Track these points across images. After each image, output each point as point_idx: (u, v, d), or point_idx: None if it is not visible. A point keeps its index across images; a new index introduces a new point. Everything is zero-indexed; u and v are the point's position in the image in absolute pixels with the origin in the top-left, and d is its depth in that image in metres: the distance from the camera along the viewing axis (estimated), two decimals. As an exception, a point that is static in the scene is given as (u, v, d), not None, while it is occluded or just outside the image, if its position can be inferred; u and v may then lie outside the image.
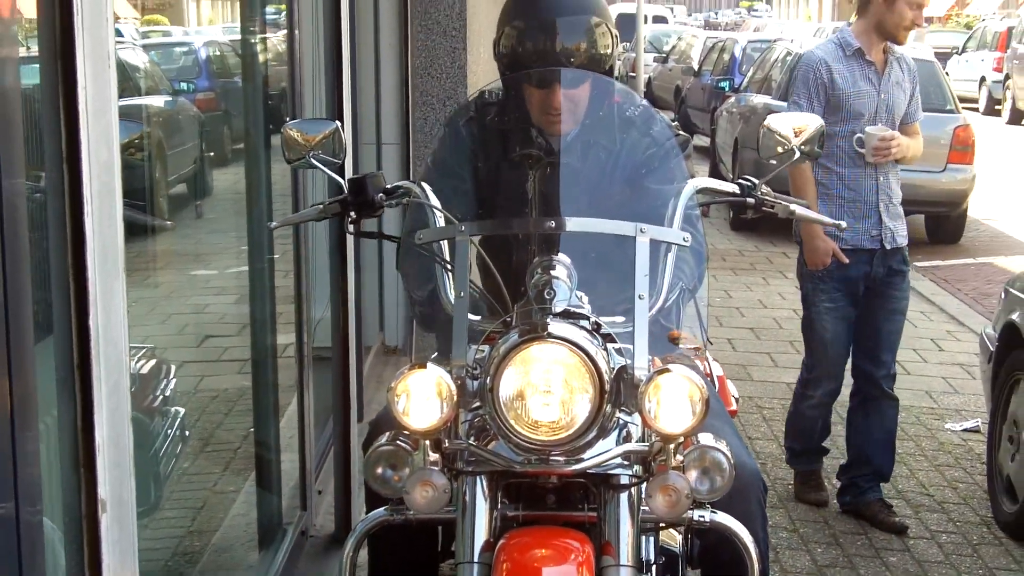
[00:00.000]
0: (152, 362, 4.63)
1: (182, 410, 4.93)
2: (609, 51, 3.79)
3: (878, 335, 6.41)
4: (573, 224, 3.20)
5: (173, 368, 4.96)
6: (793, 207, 3.65)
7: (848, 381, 6.63)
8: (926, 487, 6.94)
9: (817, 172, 6.25)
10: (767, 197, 3.62)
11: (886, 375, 6.44)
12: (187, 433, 4.99)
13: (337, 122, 3.70)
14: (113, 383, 2.54)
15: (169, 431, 4.71)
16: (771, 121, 3.68)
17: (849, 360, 6.57)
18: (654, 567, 3.48)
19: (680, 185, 3.46)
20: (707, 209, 3.73)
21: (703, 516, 3.19)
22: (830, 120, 5.99)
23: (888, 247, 6.29)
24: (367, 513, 3.39)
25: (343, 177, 3.52)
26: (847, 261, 6.22)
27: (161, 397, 4.68)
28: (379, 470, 3.11)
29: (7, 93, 2.25)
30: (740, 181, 3.65)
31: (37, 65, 2.45)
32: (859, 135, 6.22)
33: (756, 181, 3.63)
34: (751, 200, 3.62)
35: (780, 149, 3.64)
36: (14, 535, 2.30)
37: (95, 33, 2.46)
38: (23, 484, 2.31)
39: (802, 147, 3.63)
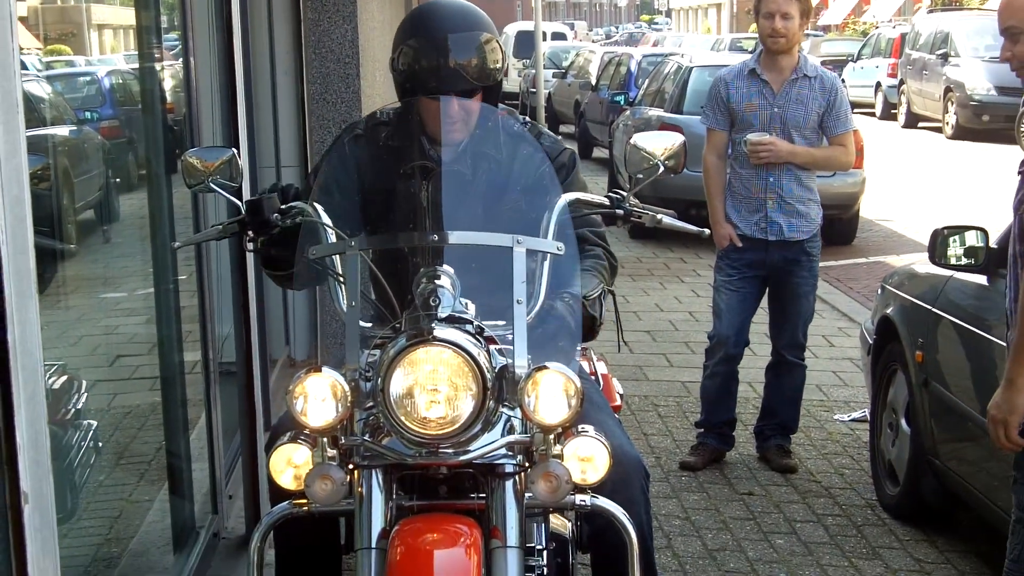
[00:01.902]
0: (64, 378, 4.75)
1: (95, 423, 5.03)
2: (498, 65, 4.01)
3: (784, 312, 7.27)
4: (455, 237, 3.45)
5: (84, 383, 5.07)
6: (659, 216, 3.87)
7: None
8: (814, 474, 7.22)
9: (728, 173, 7.15)
10: (635, 208, 3.85)
11: (788, 345, 7.29)
12: (100, 445, 5.10)
13: (233, 149, 3.86)
14: (30, 391, 2.80)
15: (83, 443, 4.82)
16: (636, 139, 3.94)
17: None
18: (545, 552, 3.74)
19: (554, 198, 3.72)
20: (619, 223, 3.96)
21: (584, 501, 3.41)
22: (734, 128, 7.04)
23: (773, 239, 7.04)
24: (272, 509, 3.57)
25: (240, 199, 3.71)
26: (740, 244, 7.08)
27: (74, 410, 4.78)
28: (281, 467, 3.37)
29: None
30: (610, 194, 3.88)
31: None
32: (744, 140, 6.96)
33: (624, 193, 3.86)
34: (620, 211, 3.85)
35: (646, 164, 3.90)
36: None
37: (3, 84, 2.72)
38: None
39: (666, 162, 3.89)
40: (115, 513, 5.26)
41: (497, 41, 4.02)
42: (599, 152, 23.86)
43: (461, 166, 3.98)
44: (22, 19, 4.70)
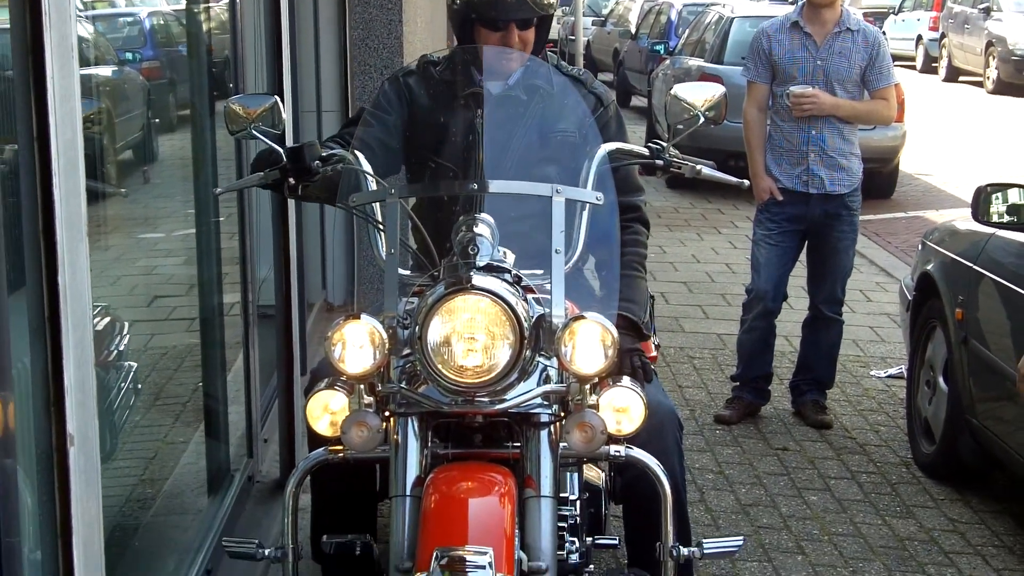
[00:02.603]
0: (107, 319, 4.77)
1: (135, 365, 5.08)
2: (549, 7, 4.14)
3: (823, 267, 7.24)
4: (495, 187, 3.46)
5: (127, 325, 5.13)
6: (699, 167, 3.87)
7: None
8: (849, 431, 7.21)
9: (769, 126, 7.15)
10: (675, 159, 3.85)
11: (826, 300, 7.29)
12: (139, 387, 5.13)
13: (276, 96, 3.86)
14: (79, 335, 2.82)
15: (123, 384, 4.85)
16: (677, 90, 3.92)
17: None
18: (578, 501, 3.77)
19: (594, 147, 3.73)
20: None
21: (619, 451, 3.44)
22: (775, 82, 7.04)
23: (814, 192, 7.04)
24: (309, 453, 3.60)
25: (282, 147, 3.72)
26: (780, 198, 7.06)
27: (116, 352, 4.83)
28: (318, 413, 3.39)
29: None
30: (650, 144, 3.89)
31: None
32: (787, 92, 6.95)
33: (664, 144, 3.86)
34: (660, 161, 3.85)
35: (686, 115, 3.89)
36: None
37: (60, 28, 2.73)
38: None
39: (706, 113, 3.88)
40: (151, 454, 5.29)
41: None
42: (637, 101, 23.79)
43: (517, 92, 4.08)
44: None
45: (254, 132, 3.78)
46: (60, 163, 2.71)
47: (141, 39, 6.71)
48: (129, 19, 6.78)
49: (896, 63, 7.21)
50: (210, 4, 6.15)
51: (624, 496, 4.25)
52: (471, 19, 4.10)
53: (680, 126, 3.89)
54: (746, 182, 4.13)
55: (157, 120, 6.28)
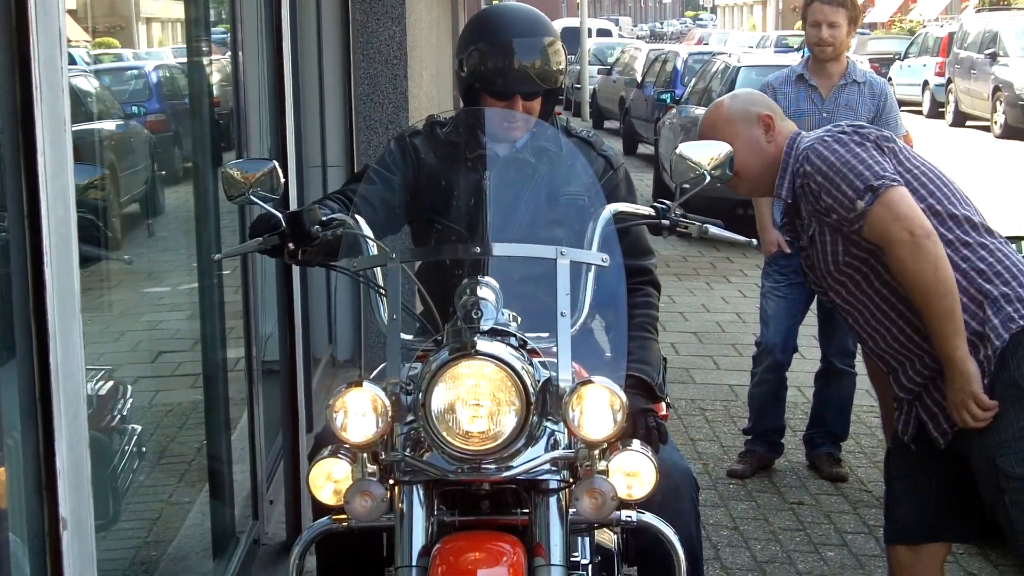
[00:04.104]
0: (109, 383, 4.73)
1: (139, 427, 5.01)
2: (561, 67, 4.13)
3: (832, 319, 7.09)
4: (499, 250, 3.39)
5: (129, 388, 5.07)
6: (706, 226, 3.82)
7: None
8: (865, 483, 7.12)
9: None
10: (681, 219, 3.80)
11: (837, 353, 7.22)
12: (143, 449, 5.09)
13: (274, 161, 3.81)
14: (72, 414, 2.75)
15: (126, 448, 4.80)
16: (682, 149, 3.86)
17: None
18: (590, 566, 3.68)
19: (599, 209, 3.68)
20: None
21: (630, 516, 3.36)
22: None
23: None
24: (313, 522, 3.53)
25: (282, 211, 3.67)
26: (788, 251, 6.95)
27: (119, 416, 4.77)
28: (321, 482, 3.32)
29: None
30: (655, 204, 3.84)
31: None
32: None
33: (670, 204, 3.82)
34: (666, 221, 3.80)
35: (692, 175, 3.84)
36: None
37: (52, 104, 2.68)
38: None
39: (712, 172, 3.83)
40: (154, 515, 5.24)
41: (559, 44, 4.14)
42: (644, 149, 23.81)
43: (524, 155, 4.07)
44: (71, 12, 4.67)
45: (252, 198, 3.73)
46: (52, 240, 2.66)
47: (146, 92, 6.71)
48: (135, 72, 6.78)
49: (902, 108, 7.18)
50: (215, 57, 6.13)
51: (638, 559, 4.16)
52: (476, 88, 4.10)
53: (686, 185, 3.84)
54: (754, 241, 4.07)
55: (163, 173, 6.26)
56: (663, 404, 4.11)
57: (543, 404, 3.17)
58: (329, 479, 3.29)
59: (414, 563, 3.15)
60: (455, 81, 4.23)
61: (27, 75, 2.61)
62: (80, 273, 2.88)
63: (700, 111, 15.90)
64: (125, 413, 4.88)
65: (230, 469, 5.53)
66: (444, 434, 3.10)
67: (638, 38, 46.45)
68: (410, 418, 3.21)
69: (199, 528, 5.32)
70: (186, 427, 5.83)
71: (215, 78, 6.18)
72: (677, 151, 3.88)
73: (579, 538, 3.65)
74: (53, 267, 2.66)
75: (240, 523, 5.54)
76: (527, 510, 3.27)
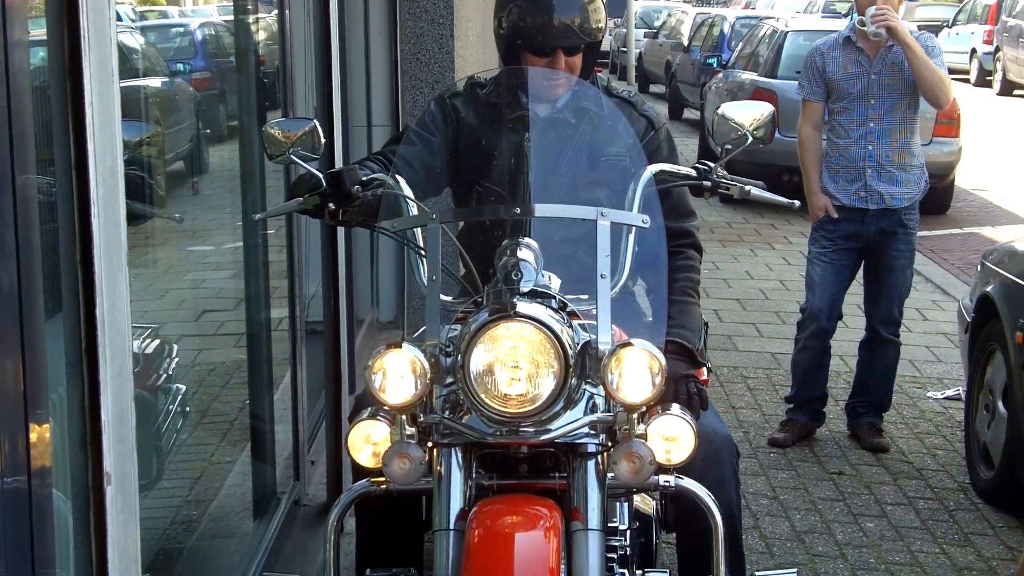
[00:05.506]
0: (156, 342, 4.72)
1: (183, 387, 5.01)
2: (601, 24, 4.06)
3: (879, 286, 7.16)
4: (539, 210, 3.39)
5: (175, 348, 5.07)
6: (748, 188, 3.82)
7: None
8: (906, 454, 7.10)
9: (825, 143, 7.11)
10: (723, 180, 3.79)
11: (883, 321, 7.20)
12: (187, 409, 5.10)
13: (314, 120, 3.81)
14: (117, 367, 2.75)
15: (171, 407, 4.79)
16: (725, 109, 3.86)
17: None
18: (628, 532, 3.68)
19: (640, 170, 3.66)
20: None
21: (669, 482, 3.35)
22: (830, 99, 7.02)
23: (873, 208, 6.96)
24: (352, 484, 3.54)
25: (322, 171, 3.67)
26: (835, 216, 7.00)
27: (164, 376, 4.77)
28: (360, 444, 3.32)
29: (22, 105, 2.45)
30: (697, 165, 3.83)
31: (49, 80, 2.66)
32: (861, 19, 6.92)
33: (712, 164, 3.81)
34: (707, 183, 3.79)
35: (734, 135, 3.82)
36: (26, 505, 2.49)
37: (100, 54, 2.67)
38: (34, 457, 2.51)
39: (754, 132, 3.81)
40: (196, 474, 5.25)
41: (600, 2, 4.07)
42: (690, 113, 23.72)
43: (565, 115, 4.01)
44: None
45: (293, 157, 3.73)
46: (99, 192, 2.65)
47: (192, 50, 6.71)
48: (180, 30, 6.78)
49: (950, 76, 7.07)
50: (261, 15, 6.12)
51: (677, 524, 4.16)
52: (517, 44, 4.03)
53: (728, 146, 3.83)
54: (796, 202, 4.04)
55: (207, 131, 6.26)
56: (704, 369, 4.10)
57: (582, 367, 3.15)
58: (368, 441, 3.28)
59: (452, 526, 3.14)
60: (496, 39, 4.16)
61: (75, 25, 2.60)
62: (126, 240, 2.88)
63: (747, 76, 15.84)
64: (171, 372, 4.89)
65: (272, 429, 5.54)
66: (483, 396, 3.08)
67: (685, 1, 46.02)
68: (449, 380, 3.20)
69: (240, 488, 5.33)
70: (229, 386, 5.84)
71: (260, 36, 6.16)
72: (719, 111, 3.87)
73: (617, 503, 3.66)
74: (100, 218, 2.66)
75: (281, 483, 5.55)
76: (564, 474, 3.26)
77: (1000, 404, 6.41)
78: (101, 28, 2.69)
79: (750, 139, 3.81)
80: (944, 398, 8.09)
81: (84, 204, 2.63)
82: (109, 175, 2.72)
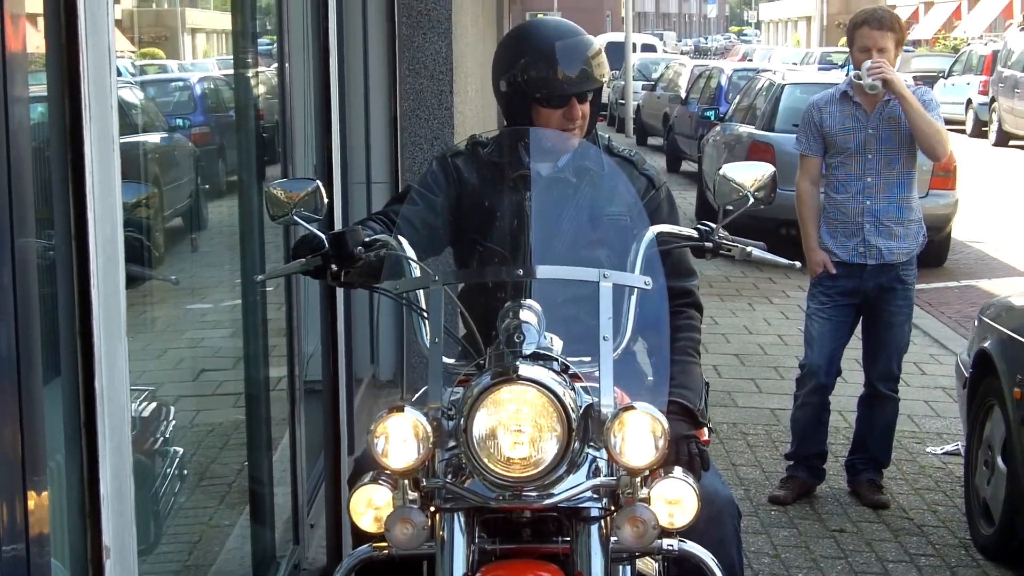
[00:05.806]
0: (152, 405, 4.71)
1: (181, 449, 4.98)
2: (605, 78, 4.11)
3: (877, 342, 7.13)
4: (541, 272, 3.39)
5: (172, 410, 5.05)
6: (749, 249, 3.83)
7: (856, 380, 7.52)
8: (906, 511, 7.06)
9: (822, 197, 7.09)
10: (724, 241, 3.80)
11: (881, 377, 7.17)
12: (185, 471, 5.07)
13: (318, 181, 3.82)
14: (116, 441, 2.75)
15: (168, 471, 4.77)
16: (726, 170, 3.88)
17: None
18: (630, 595, 3.65)
19: (641, 231, 3.66)
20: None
21: (671, 545, 3.33)
22: (828, 154, 7.01)
23: (871, 263, 6.94)
24: (353, 548, 3.52)
25: (325, 232, 3.67)
26: (834, 271, 6.99)
27: (161, 439, 4.75)
28: (361, 509, 3.30)
29: (21, 165, 2.44)
30: (699, 226, 3.84)
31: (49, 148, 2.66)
32: (857, 73, 6.92)
33: (713, 225, 3.81)
34: (709, 244, 3.80)
35: (735, 196, 3.83)
36: (25, 574, 2.47)
37: (101, 121, 2.67)
38: (32, 525, 2.49)
39: (755, 193, 3.82)
40: (195, 538, 5.21)
41: (603, 55, 4.12)
42: (688, 166, 23.77)
43: (566, 175, 4.02)
44: (116, 22, 4.68)
45: (295, 218, 3.74)
46: (99, 261, 2.65)
47: (191, 104, 6.71)
48: (179, 84, 6.78)
49: (946, 127, 7.09)
50: (261, 69, 6.13)
51: (680, 587, 4.13)
52: (527, 100, 4.04)
53: (730, 207, 3.84)
54: (798, 264, 4.05)
55: (206, 187, 6.25)
56: (705, 430, 4.08)
57: (585, 430, 3.15)
58: (370, 506, 3.28)
59: (455, 592, 3.12)
60: (496, 96, 4.18)
61: (76, 92, 2.60)
62: (125, 310, 2.87)
63: (744, 129, 15.87)
64: (168, 435, 4.87)
65: (271, 491, 5.51)
66: (485, 460, 3.08)
67: (682, 53, 46.28)
68: (451, 444, 3.20)
69: (239, 552, 5.29)
70: (227, 447, 5.81)
71: (260, 90, 6.17)
72: (721, 172, 3.89)
73: (620, 566, 3.61)
74: (100, 288, 2.66)
75: (281, 547, 5.51)
76: (568, 538, 3.25)
77: (999, 460, 6.37)
78: (102, 95, 2.70)
79: (751, 200, 3.82)
80: (943, 453, 8.06)
81: (83, 274, 2.63)
82: (109, 244, 2.72)
